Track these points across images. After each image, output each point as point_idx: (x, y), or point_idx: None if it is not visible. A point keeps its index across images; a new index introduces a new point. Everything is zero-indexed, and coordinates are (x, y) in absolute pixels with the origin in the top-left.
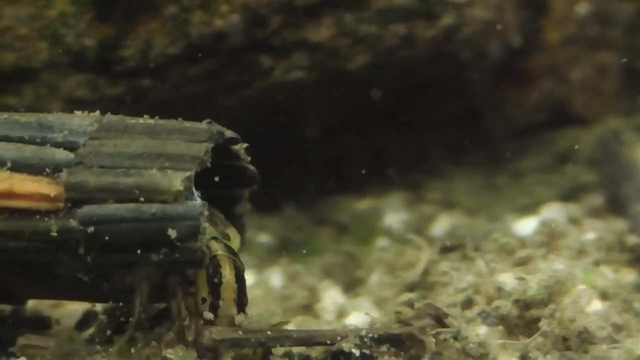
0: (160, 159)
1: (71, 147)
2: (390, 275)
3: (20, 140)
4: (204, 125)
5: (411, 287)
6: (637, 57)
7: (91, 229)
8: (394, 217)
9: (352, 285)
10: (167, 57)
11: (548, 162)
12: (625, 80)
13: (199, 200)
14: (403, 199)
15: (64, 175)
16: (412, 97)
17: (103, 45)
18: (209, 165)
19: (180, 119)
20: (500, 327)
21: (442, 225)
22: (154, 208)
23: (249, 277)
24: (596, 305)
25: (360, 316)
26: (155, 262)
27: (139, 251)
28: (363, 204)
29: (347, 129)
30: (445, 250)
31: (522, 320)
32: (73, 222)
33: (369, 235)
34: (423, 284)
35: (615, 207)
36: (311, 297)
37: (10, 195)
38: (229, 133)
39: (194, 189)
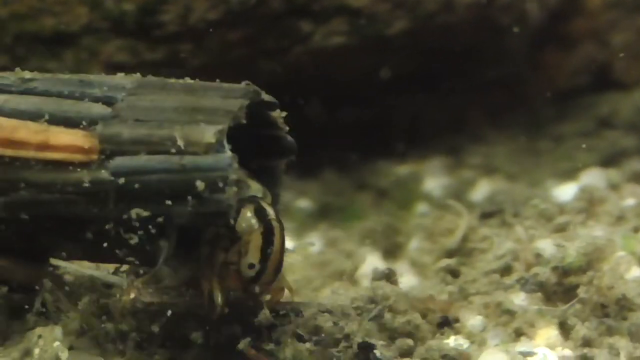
0: (195, 112)
1: (109, 101)
2: (430, 241)
3: (60, 94)
4: (241, 84)
5: (450, 254)
6: None
7: (122, 180)
8: (434, 182)
9: (391, 251)
10: (206, 22)
11: (589, 127)
12: None
13: (228, 153)
14: (443, 163)
15: (99, 127)
16: (452, 62)
17: (143, 10)
18: (243, 121)
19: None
20: (539, 294)
21: (482, 190)
22: (184, 159)
23: (288, 243)
24: (635, 271)
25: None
26: (183, 214)
27: (167, 202)
28: (403, 169)
29: (387, 93)
30: (485, 216)
31: (560, 287)
32: (105, 174)
33: (409, 201)
34: (462, 250)
35: None
36: (350, 263)
37: (45, 146)
38: (266, 96)
39: (225, 143)
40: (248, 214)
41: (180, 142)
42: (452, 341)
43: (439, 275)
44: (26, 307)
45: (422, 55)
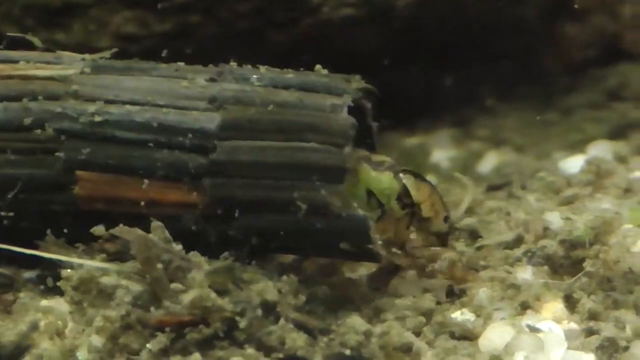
0: (303, 171)
1: (202, 151)
2: None
3: (143, 143)
4: (340, 118)
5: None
6: None
7: (253, 239)
8: (442, 154)
9: None
10: None
11: (598, 99)
12: None
13: (360, 211)
14: (452, 135)
15: (207, 187)
16: (463, 34)
17: None
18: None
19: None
20: (546, 267)
21: (489, 162)
22: (320, 224)
23: None
24: None
25: None
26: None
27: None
28: (412, 141)
29: (397, 65)
30: (491, 189)
31: (567, 261)
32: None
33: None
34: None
35: None
36: None
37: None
38: (368, 87)
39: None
40: (415, 184)
41: (304, 207)
42: (459, 315)
43: None
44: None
45: (433, 27)
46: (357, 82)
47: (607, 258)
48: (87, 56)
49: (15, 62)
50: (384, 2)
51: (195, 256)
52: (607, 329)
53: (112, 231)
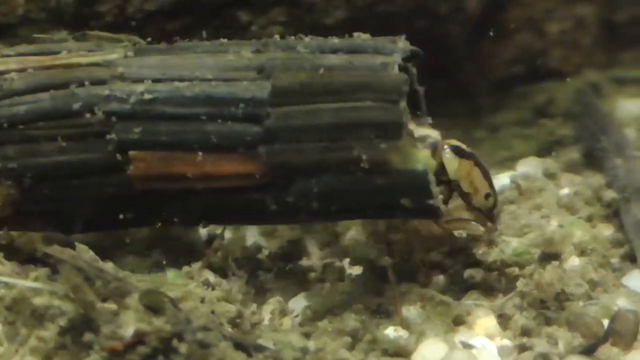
0: (360, 129)
1: (255, 120)
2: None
3: (196, 117)
4: (392, 74)
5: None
6: (615, 9)
7: (313, 203)
8: None
9: (329, 241)
10: (144, 13)
11: (525, 116)
12: (603, 33)
13: (418, 167)
14: None
15: (263, 155)
16: None
17: (80, 1)
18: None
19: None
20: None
21: None
22: (377, 180)
23: (226, 234)
24: (574, 261)
25: None
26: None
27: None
28: None
29: None
30: None
31: (500, 278)
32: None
33: None
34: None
35: (592, 161)
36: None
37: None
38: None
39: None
40: (454, 160)
41: (364, 165)
42: (392, 332)
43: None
44: None
45: None
46: (403, 43)
47: (539, 275)
48: (124, 38)
49: (56, 53)
50: (313, 21)
51: (128, 275)
52: (540, 345)
53: (45, 250)
